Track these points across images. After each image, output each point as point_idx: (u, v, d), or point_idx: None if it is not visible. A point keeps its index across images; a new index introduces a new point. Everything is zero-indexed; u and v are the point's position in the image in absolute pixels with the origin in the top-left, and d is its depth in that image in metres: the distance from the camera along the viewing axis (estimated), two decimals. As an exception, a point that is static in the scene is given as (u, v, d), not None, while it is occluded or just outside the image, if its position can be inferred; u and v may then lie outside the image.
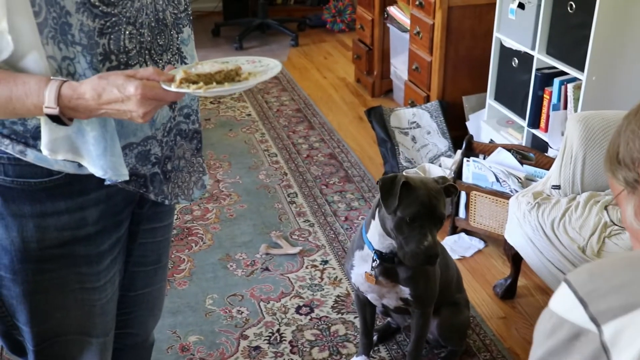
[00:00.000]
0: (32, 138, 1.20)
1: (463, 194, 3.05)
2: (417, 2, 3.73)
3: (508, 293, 2.72)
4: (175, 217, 3.21)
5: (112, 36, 1.18)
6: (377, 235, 2.02)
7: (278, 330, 2.53)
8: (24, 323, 1.36)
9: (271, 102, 4.62)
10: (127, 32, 1.20)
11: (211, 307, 2.64)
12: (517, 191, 2.76)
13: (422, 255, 1.84)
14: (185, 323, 2.56)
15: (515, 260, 2.66)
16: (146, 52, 1.26)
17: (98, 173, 1.21)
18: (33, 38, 1.12)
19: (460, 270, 2.88)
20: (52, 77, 1.14)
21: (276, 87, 4.87)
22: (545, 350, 0.91)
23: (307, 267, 2.89)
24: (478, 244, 3.07)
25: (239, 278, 2.82)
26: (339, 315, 2.60)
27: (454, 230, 3.14)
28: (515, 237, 2.53)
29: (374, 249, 2.03)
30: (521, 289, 2.76)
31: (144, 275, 1.58)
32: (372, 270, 2.03)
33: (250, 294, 2.72)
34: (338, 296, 2.70)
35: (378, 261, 2.02)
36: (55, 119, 1.14)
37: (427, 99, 3.84)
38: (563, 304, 0.90)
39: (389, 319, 2.44)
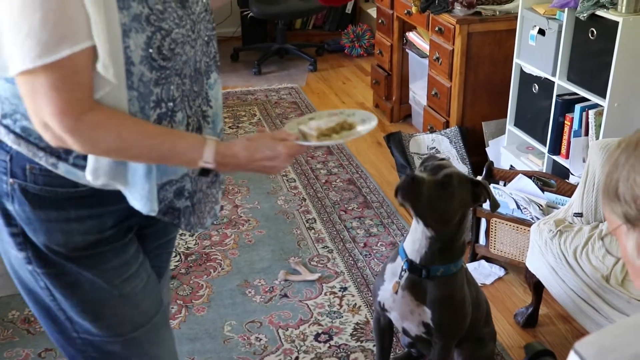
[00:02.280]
0: (64, 152, 1.28)
1: (483, 221, 3.03)
2: (436, 28, 3.73)
3: (529, 322, 2.69)
4: (194, 242, 3.21)
5: (164, 86, 1.29)
6: (410, 241, 2.01)
7: (297, 358, 2.50)
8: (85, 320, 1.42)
9: (290, 127, 4.62)
10: (175, 83, 1.31)
11: (229, 334, 2.63)
12: (538, 218, 2.73)
13: (401, 182, 1.89)
14: (204, 350, 2.54)
15: (537, 288, 2.62)
16: (186, 99, 1.36)
17: (136, 206, 1.33)
18: (122, 77, 1.22)
19: (481, 299, 2.86)
20: (206, 137, 1.34)
21: (295, 112, 4.88)
22: None
23: (325, 294, 2.87)
24: (498, 271, 3.04)
25: (258, 304, 2.81)
26: (358, 343, 2.57)
27: (474, 257, 3.11)
28: (537, 265, 2.50)
29: (405, 257, 2.02)
30: (543, 318, 2.72)
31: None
32: (399, 278, 2.02)
33: (268, 320, 2.71)
34: (357, 323, 2.68)
35: (407, 272, 2.01)
36: (202, 171, 1.35)
37: (447, 125, 3.82)
38: None
39: (412, 349, 2.42)
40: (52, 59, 1.11)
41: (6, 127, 1.28)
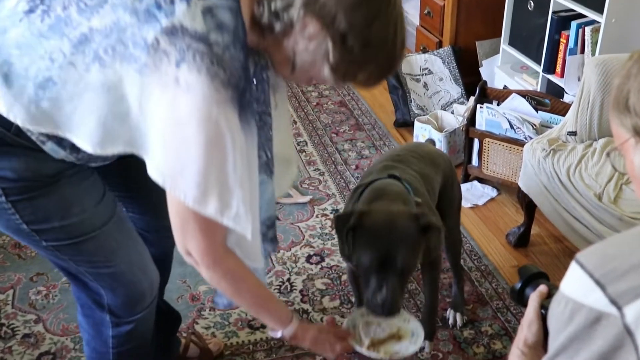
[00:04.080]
0: (56, 138, 1.31)
1: (476, 142, 3.00)
2: (429, -56, 3.62)
3: (521, 241, 2.69)
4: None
5: None
6: None
7: (288, 280, 2.51)
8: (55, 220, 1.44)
9: (280, 49, 4.54)
10: None
11: (221, 257, 2.62)
12: (531, 138, 2.70)
13: (378, 309, 1.63)
14: (195, 273, 2.48)
15: (529, 208, 2.61)
16: None
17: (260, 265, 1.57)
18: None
19: (473, 219, 2.86)
20: (294, 314, 1.56)
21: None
22: (566, 338, 0.86)
23: (317, 216, 2.86)
24: (491, 192, 3.03)
25: (249, 227, 2.79)
26: (350, 264, 2.57)
27: (467, 178, 3.09)
28: (530, 184, 2.48)
29: None
30: (534, 237, 2.72)
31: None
32: None
33: (260, 243, 2.70)
34: (349, 245, 2.67)
35: None
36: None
37: (440, 45, 3.75)
38: (578, 288, 0.85)
39: None
40: (203, 211, 1.25)
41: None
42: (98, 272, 1.54)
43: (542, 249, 2.68)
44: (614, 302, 0.81)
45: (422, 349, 2.10)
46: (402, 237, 1.63)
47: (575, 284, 0.86)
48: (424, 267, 2.03)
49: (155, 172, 1.25)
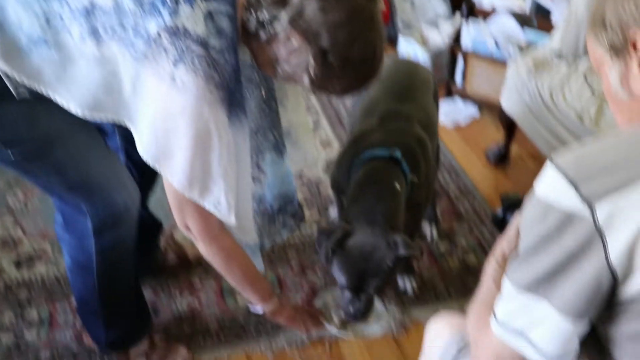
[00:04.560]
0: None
1: (460, 60, 2.97)
2: None
3: (501, 160, 2.71)
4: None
5: None
6: None
7: (268, 191, 2.51)
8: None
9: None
10: None
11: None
12: (516, 57, 2.68)
13: (351, 317, 1.76)
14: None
15: (510, 127, 2.62)
16: None
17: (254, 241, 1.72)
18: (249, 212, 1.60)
19: (454, 137, 2.87)
20: (274, 295, 1.73)
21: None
22: (536, 237, 0.87)
23: (298, 129, 2.84)
24: (473, 110, 3.03)
25: (230, 139, 2.78)
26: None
27: (449, 95, 3.08)
28: (512, 103, 2.48)
29: None
30: (514, 157, 2.74)
31: None
32: None
33: (240, 154, 2.69)
34: (329, 158, 2.68)
35: None
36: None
37: (428, -40, 3.66)
38: (552, 188, 0.85)
39: None
40: (187, 194, 1.35)
41: None
42: (71, 184, 1.52)
43: (521, 167, 2.70)
44: (586, 199, 0.81)
45: (405, 290, 2.12)
46: (377, 269, 1.68)
47: (549, 184, 0.86)
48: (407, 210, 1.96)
49: (144, 153, 1.32)
